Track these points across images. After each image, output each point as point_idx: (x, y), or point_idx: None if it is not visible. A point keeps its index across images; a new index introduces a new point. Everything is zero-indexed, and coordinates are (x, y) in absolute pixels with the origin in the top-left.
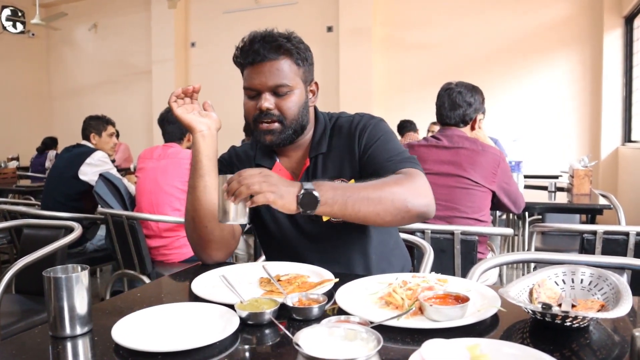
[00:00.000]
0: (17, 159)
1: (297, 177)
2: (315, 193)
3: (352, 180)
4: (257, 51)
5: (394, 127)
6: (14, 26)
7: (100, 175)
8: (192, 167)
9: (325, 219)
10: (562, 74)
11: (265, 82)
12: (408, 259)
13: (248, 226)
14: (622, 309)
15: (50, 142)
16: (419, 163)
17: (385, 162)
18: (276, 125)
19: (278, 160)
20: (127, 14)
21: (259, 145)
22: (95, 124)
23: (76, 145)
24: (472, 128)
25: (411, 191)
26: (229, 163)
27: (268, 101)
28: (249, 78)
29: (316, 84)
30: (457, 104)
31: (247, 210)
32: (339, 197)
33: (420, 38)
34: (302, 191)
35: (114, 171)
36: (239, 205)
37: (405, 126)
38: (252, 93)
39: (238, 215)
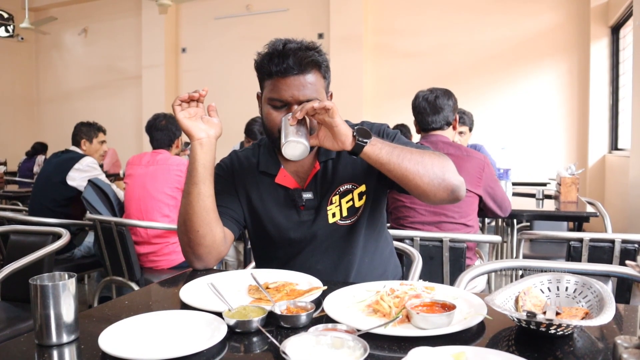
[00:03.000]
0: (5, 163)
1: (305, 182)
2: (365, 138)
3: (363, 187)
4: (291, 66)
5: None
6: (4, 30)
7: (89, 181)
8: (188, 174)
9: (331, 220)
10: (549, 83)
11: (297, 95)
12: (400, 268)
13: (239, 232)
14: (605, 317)
15: (40, 148)
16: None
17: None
18: None
19: (283, 166)
20: (118, 19)
21: (263, 151)
22: (86, 130)
23: (65, 151)
24: (454, 128)
25: (448, 167)
26: (229, 170)
27: None
28: (276, 89)
29: (331, 94)
30: (438, 107)
31: (308, 134)
32: (387, 145)
33: (411, 46)
34: (357, 127)
35: (103, 177)
36: (301, 128)
37: (399, 129)
38: (278, 104)
39: (300, 134)
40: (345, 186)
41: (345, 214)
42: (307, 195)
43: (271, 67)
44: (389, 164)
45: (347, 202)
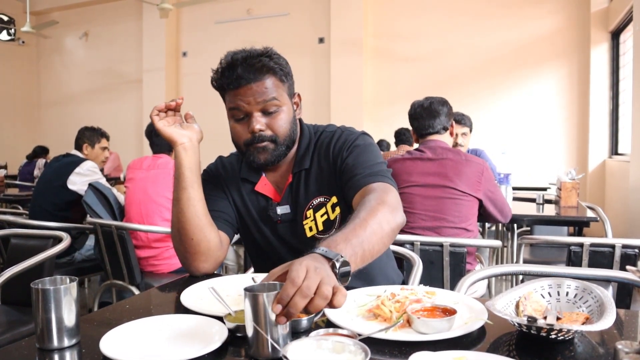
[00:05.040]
0: (5, 167)
1: (282, 192)
2: (347, 268)
3: (334, 198)
4: (240, 75)
5: (390, 137)
6: (5, 33)
7: (90, 185)
8: (175, 180)
9: (309, 234)
10: (549, 87)
11: (254, 103)
12: (399, 272)
13: (237, 236)
14: (606, 322)
15: (40, 151)
16: (389, 176)
17: (353, 178)
18: (270, 144)
19: (264, 174)
20: (119, 23)
21: (245, 160)
22: (89, 135)
23: (66, 155)
24: (452, 134)
25: (391, 209)
26: (215, 174)
27: (259, 122)
28: (234, 100)
29: (299, 95)
30: (434, 112)
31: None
32: (358, 249)
33: (411, 50)
34: (337, 270)
35: (104, 181)
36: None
37: (402, 133)
38: (240, 115)
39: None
40: (318, 199)
41: (321, 227)
42: (283, 210)
43: (223, 81)
44: (364, 264)
45: (321, 215)
